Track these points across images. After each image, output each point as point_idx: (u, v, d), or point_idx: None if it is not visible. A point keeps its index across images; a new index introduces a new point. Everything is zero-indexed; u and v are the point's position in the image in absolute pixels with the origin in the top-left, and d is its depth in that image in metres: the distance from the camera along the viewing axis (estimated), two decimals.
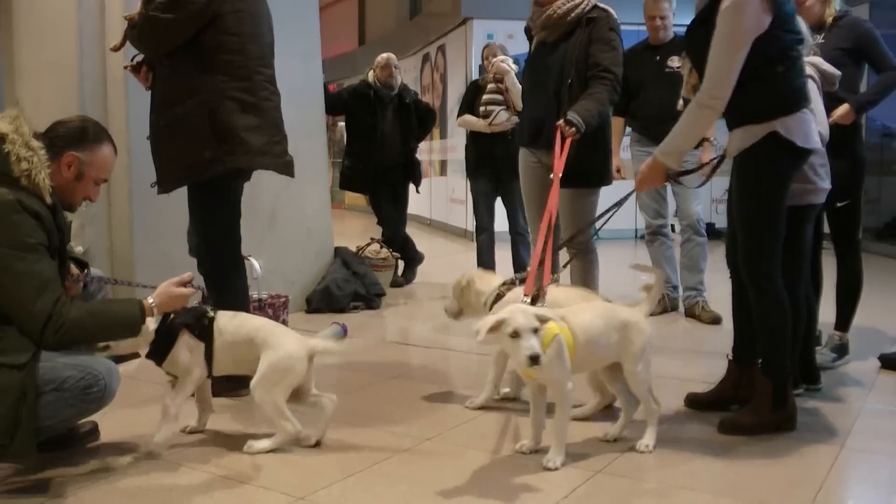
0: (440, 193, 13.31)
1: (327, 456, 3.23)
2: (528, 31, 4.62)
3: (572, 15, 4.30)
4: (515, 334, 2.74)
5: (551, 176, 3.89)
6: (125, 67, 3.88)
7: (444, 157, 13.20)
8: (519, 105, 5.65)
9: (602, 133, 4.36)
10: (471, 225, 11.66)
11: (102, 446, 3.19)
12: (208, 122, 3.61)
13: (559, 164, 3.89)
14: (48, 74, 4.90)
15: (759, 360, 3.47)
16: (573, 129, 3.99)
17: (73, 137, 2.95)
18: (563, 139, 3.98)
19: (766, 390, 3.38)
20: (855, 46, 4.26)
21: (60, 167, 2.90)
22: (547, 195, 4.35)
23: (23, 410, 2.66)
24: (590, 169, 4.30)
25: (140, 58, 3.80)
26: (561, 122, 4.04)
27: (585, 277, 4.37)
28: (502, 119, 6.15)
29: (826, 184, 3.79)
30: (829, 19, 4.31)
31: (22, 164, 2.74)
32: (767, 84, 3.27)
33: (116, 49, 3.82)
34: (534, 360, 2.70)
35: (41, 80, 4.91)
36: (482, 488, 2.83)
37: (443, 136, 13.14)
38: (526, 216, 4.95)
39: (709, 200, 10.42)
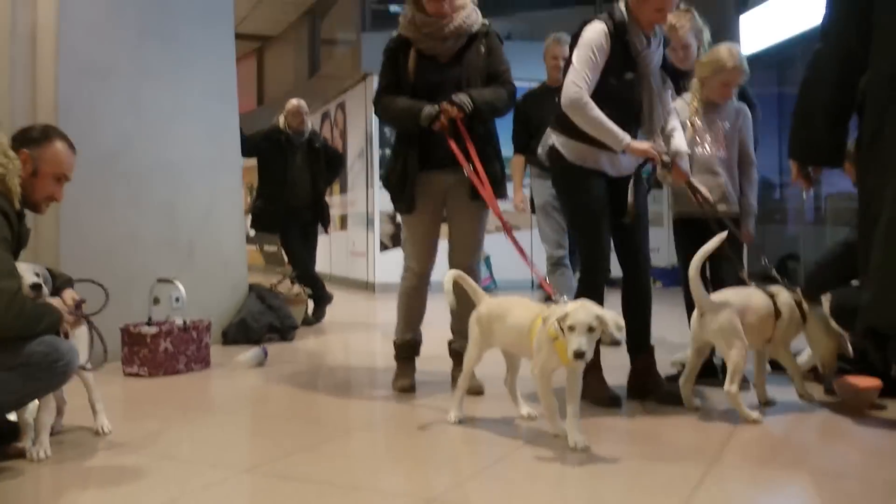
0: (340, 247, 13.54)
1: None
2: (399, 46, 4.29)
3: (475, 27, 4.27)
4: (571, 328, 2.98)
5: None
6: None
7: (344, 211, 13.47)
8: None
9: (494, 144, 4.35)
10: (371, 276, 11.95)
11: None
12: None
13: (473, 169, 3.96)
14: None
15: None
16: (455, 107, 3.99)
17: (25, 137, 3.17)
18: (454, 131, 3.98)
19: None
20: None
21: None
22: (469, 216, 4.34)
23: None
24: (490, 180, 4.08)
25: None
26: (443, 103, 3.99)
27: None
28: None
29: None
30: None
31: None
32: None
33: None
34: (578, 356, 2.96)
35: None
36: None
37: (342, 190, 13.43)
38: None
39: None
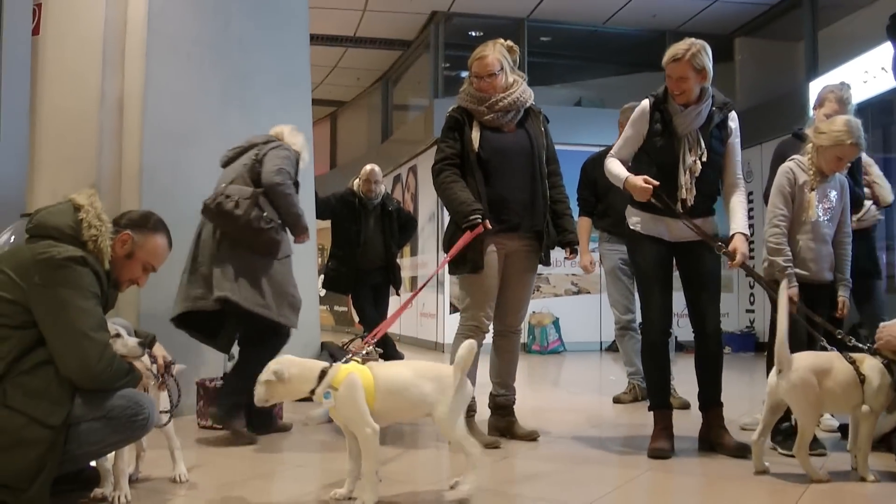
0: (411, 309, 13.65)
1: None
2: (461, 118, 4.56)
3: (529, 102, 4.62)
4: None
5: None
6: None
7: (414, 272, 13.65)
8: (889, 199, 5.30)
9: None
10: (440, 337, 12.04)
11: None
12: None
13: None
14: (67, 168, 5.31)
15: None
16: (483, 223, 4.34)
17: (134, 221, 3.37)
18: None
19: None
20: None
21: (116, 243, 3.27)
22: (527, 280, 4.73)
23: (48, 460, 2.94)
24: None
25: None
26: (487, 222, 4.32)
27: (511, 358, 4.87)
28: (874, 213, 5.35)
29: None
30: None
31: (91, 231, 3.15)
32: None
33: None
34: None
35: (60, 173, 5.31)
36: None
37: (413, 252, 13.62)
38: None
39: None
